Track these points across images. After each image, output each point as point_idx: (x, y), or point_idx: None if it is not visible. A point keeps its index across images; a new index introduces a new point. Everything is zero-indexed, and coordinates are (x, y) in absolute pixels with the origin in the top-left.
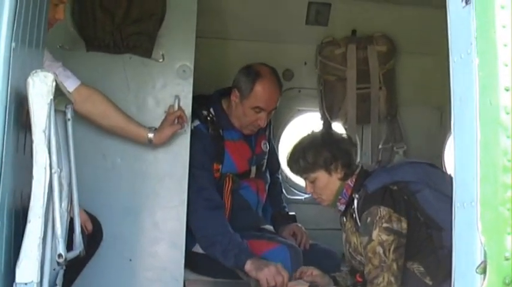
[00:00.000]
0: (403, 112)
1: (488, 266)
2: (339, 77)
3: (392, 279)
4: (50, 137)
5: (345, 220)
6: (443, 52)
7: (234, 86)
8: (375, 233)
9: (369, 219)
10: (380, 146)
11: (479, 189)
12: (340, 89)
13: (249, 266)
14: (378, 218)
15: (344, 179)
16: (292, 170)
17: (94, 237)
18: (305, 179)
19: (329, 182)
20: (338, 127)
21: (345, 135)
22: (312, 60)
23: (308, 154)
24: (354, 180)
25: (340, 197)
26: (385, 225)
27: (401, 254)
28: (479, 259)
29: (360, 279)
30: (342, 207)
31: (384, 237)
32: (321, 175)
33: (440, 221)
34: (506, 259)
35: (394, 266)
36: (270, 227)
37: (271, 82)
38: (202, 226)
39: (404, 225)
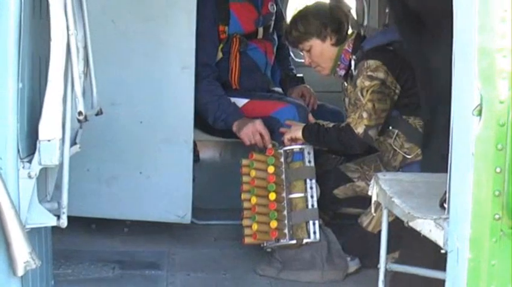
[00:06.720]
0: None
1: (483, 109)
2: None
3: (364, 115)
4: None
5: (346, 84)
6: None
7: None
8: (358, 81)
9: (356, 71)
10: (387, 10)
11: (477, 38)
12: None
13: (235, 127)
14: (363, 68)
15: (337, 44)
16: (288, 42)
17: None
18: (301, 50)
19: (323, 49)
20: None
21: (335, 4)
22: None
23: (299, 24)
24: (351, 45)
25: (339, 62)
26: (369, 73)
27: (380, 99)
28: (476, 103)
29: None
30: (342, 72)
31: (366, 83)
32: (315, 43)
33: None
34: (501, 102)
35: (369, 105)
36: (279, 89)
37: None
38: (197, 96)
39: (390, 79)
